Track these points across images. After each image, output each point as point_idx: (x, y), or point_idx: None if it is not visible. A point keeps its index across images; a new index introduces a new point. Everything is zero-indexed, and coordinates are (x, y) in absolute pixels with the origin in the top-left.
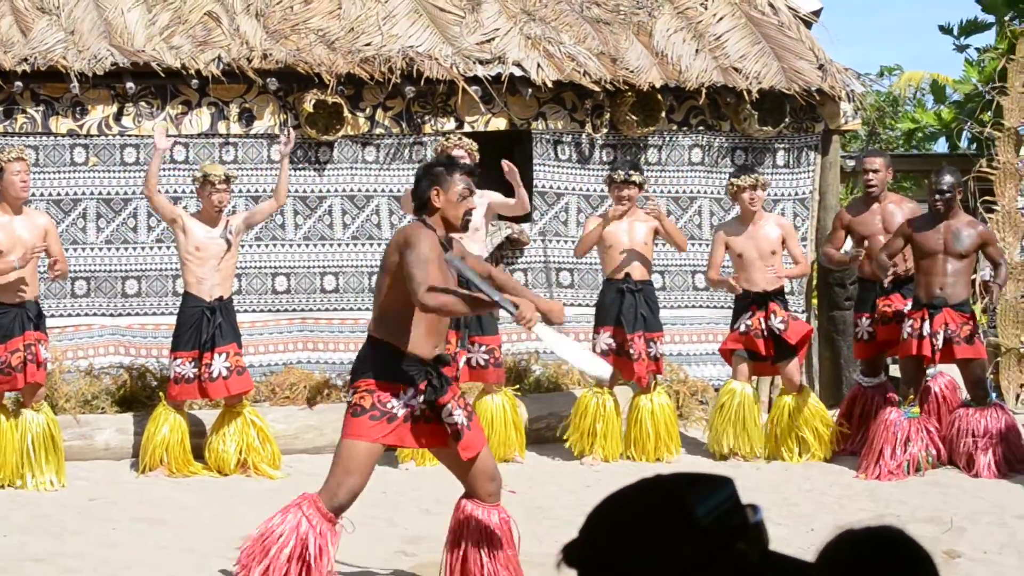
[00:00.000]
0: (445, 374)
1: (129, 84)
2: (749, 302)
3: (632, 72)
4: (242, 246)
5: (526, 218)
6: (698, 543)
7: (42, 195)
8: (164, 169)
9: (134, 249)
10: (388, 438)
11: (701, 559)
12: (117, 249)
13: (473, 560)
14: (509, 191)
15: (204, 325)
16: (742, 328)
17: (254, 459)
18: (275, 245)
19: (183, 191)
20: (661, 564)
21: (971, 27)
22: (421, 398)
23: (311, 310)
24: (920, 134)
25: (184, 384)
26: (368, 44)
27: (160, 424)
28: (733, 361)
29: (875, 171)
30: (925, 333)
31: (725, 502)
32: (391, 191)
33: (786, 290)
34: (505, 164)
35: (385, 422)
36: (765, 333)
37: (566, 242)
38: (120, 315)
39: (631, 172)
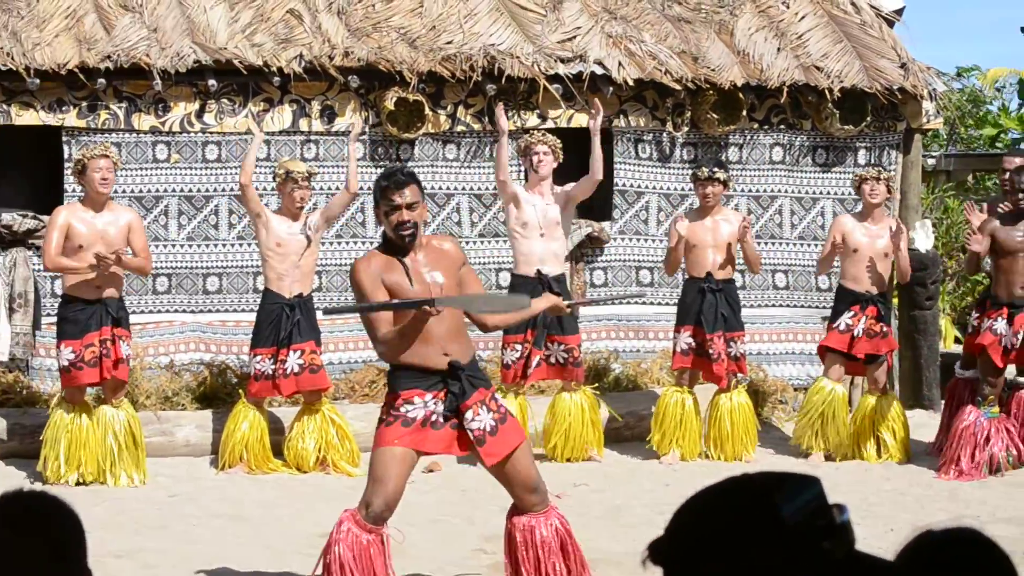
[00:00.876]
0: (467, 380)
1: (211, 81)
2: (852, 301)
3: (713, 71)
4: (322, 243)
5: (606, 216)
6: (783, 543)
7: (124, 192)
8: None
9: (215, 246)
10: (406, 440)
11: (786, 558)
12: (198, 246)
13: (529, 571)
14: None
15: (283, 322)
16: (842, 327)
17: (333, 457)
18: (355, 243)
19: (264, 188)
20: (746, 563)
21: None
22: (440, 406)
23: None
24: (1004, 137)
25: (263, 381)
26: (450, 42)
27: (240, 421)
28: (827, 359)
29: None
30: (1002, 331)
31: (812, 502)
32: (472, 189)
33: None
34: (594, 105)
35: (399, 425)
36: (859, 334)
37: (646, 240)
38: (201, 312)
39: (715, 169)
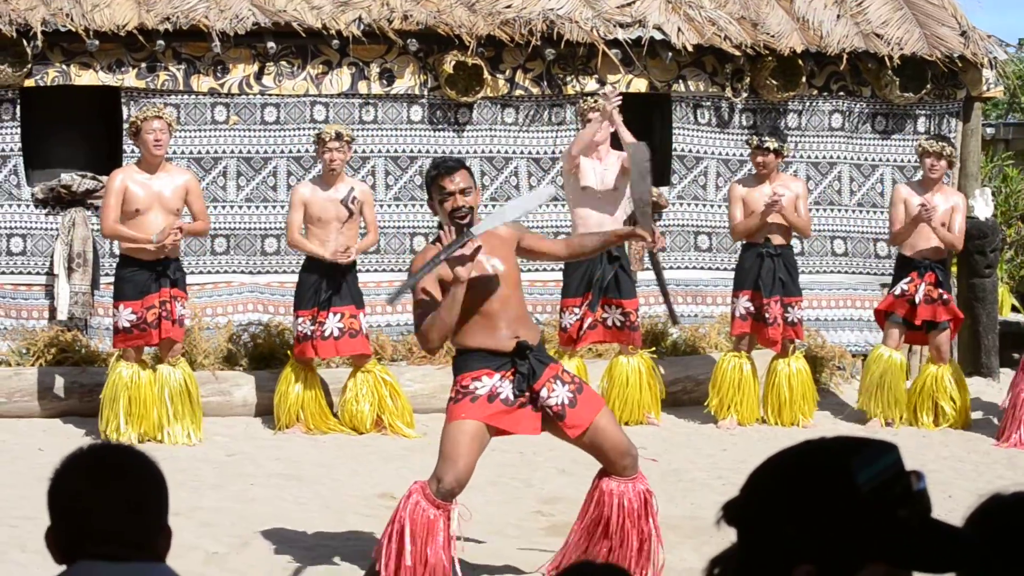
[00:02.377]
0: (535, 359)
1: (270, 44)
2: (911, 268)
3: (773, 37)
4: (379, 205)
5: (665, 181)
6: (858, 509)
7: (183, 153)
8: (304, 129)
9: (273, 207)
10: (474, 413)
11: (861, 525)
12: (256, 207)
13: (612, 536)
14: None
15: (323, 284)
16: (898, 292)
17: (389, 417)
18: (413, 205)
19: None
20: (820, 528)
21: None
22: (509, 385)
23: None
24: None
25: (305, 342)
26: (508, 6)
27: (291, 382)
28: (886, 326)
29: None
30: None
31: (888, 469)
32: (530, 153)
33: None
34: (606, 93)
35: (467, 401)
36: (920, 300)
37: (704, 206)
38: (259, 273)
39: (766, 139)
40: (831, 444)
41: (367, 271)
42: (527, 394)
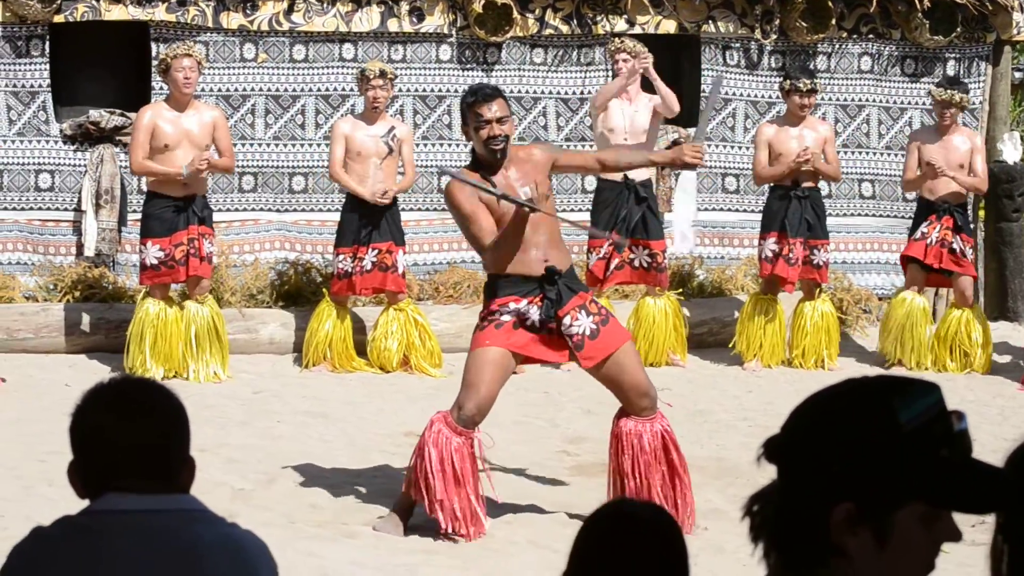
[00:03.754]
0: (564, 286)
1: None
2: (930, 211)
3: None
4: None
5: (693, 123)
6: (900, 448)
7: (211, 91)
8: (333, 67)
9: (301, 146)
10: (499, 340)
11: (902, 464)
12: (284, 145)
13: (635, 476)
14: (677, 97)
15: (363, 221)
16: (918, 235)
17: (416, 357)
18: (441, 145)
19: (351, 89)
20: (861, 466)
21: None
22: (536, 311)
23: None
24: None
25: (344, 280)
26: None
27: (323, 320)
28: (908, 271)
29: None
30: None
31: (930, 409)
32: (558, 93)
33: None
34: (638, 61)
35: (492, 328)
36: (936, 243)
37: (733, 147)
38: (286, 211)
39: (810, 80)
40: (874, 383)
41: (411, 210)
42: (554, 321)
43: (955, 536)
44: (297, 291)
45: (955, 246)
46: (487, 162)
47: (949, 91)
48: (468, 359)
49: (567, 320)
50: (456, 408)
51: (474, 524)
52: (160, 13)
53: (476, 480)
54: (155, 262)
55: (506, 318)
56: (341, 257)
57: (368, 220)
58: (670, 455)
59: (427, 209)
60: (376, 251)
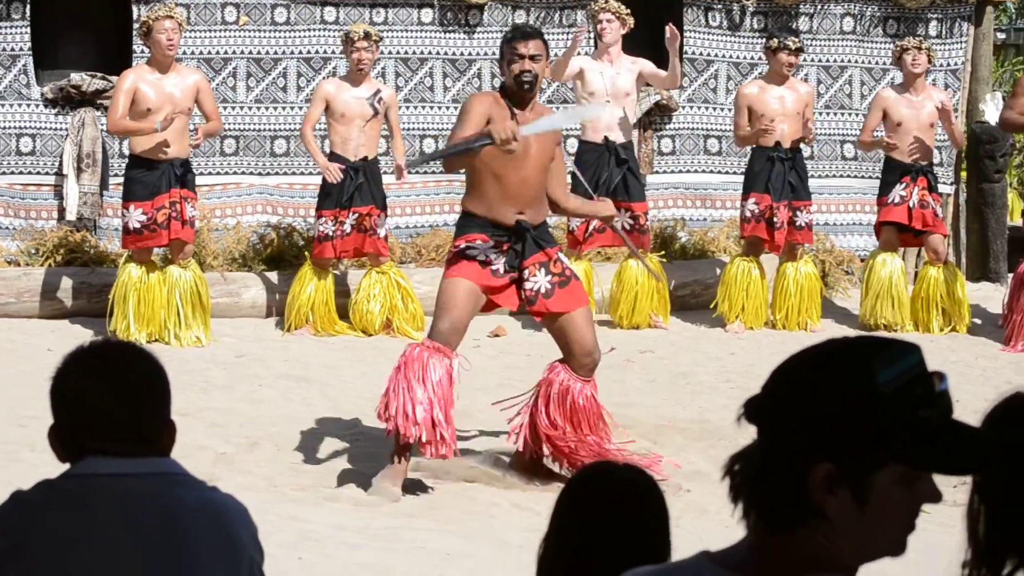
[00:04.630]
0: (530, 240)
1: None
2: (902, 172)
3: None
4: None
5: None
6: (880, 409)
7: (192, 53)
8: (315, 30)
9: (283, 108)
10: (468, 273)
11: (882, 424)
12: (266, 108)
13: (549, 423)
14: (658, 60)
15: (346, 184)
16: (896, 199)
17: (398, 320)
18: (423, 107)
19: (333, 52)
20: (840, 427)
21: None
22: (501, 259)
23: (459, 173)
24: None
25: (326, 243)
26: None
27: (305, 283)
28: (884, 232)
29: None
30: None
31: (911, 370)
32: None
33: (935, 162)
34: (669, 30)
35: (463, 262)
36: (914, 205)
37: (715, 109)
38: (268, 174)
39: (795, 40)
40: (854, 343)
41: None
42: (516, 271)
43: (935, 497)
44: (279, 255)
45: (931, 206)
46: (514, 95)
47: (916, 37)
48: (441, 286)
49: (526, 274)
50: (432, 330)
51: (441, 442)
52: None
53: (450, 398)
54: (137, 226)
55: (474, 254)
56: (323, 220)
57: (350, 183)
58: (592, 421)
59: (410, 172)
60: (357, 215)
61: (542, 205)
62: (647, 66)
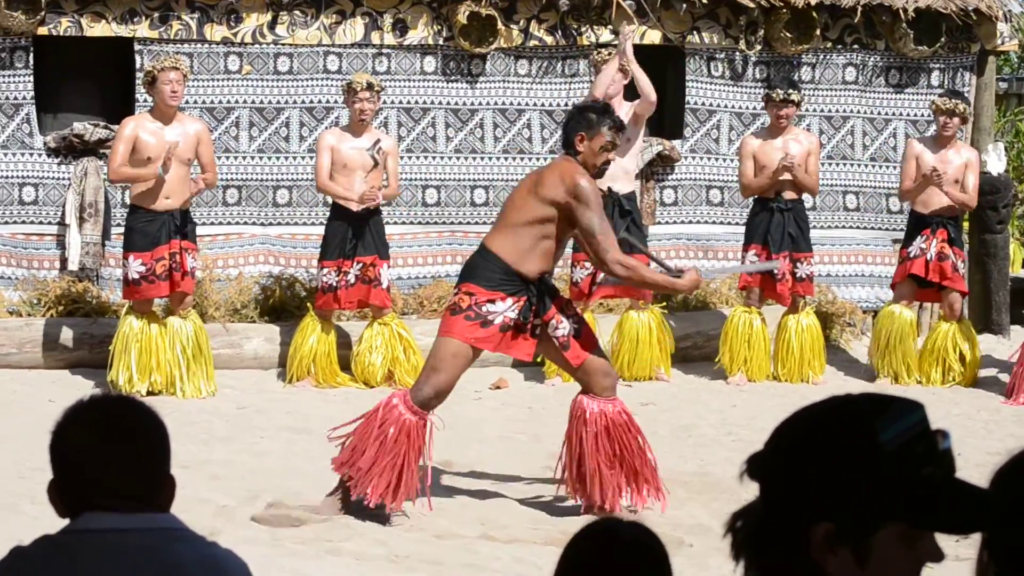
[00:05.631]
0: (547, 292)
1: None
2: (923, 225)
3: None
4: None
5: (677, 135)
6: (881, 467)
7: (195, 103)
8: (317, 80)
9: (286, 158)
10: (481, 342)
11: (884, 483)
12: (269, 158)
13: (592, 451)
14: (660, 110)
15: (348, 234)
16: (915, 252)
17: (400, 372)
18: (426, 157)
19: (335, 101)
20: (842, 486)
21: None
22: (518, 312)
23: (461, 223)
24: None
25: (328, 294)
26: None
27: (307, 335)
28: (898, 283)
29: None
30: None
31: (913, 428)
32: (543, 105)
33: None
34: (621, 33)
35: (479, 325)
36: (935, 257)
37: (717, 159)
38: (271, 224)
39: (790, 91)
40: (857, 401)
41: (395, 223)
42: (531, 322)
43: (937, 556)
44: (281, 305)
45: (951, 259)
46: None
47: (952, 100)
48: (437, 344)
49: (552, 323)
50: (416, 389)
51: (398, 498)
52: (143, 30)
53: (415, 463)
54: (136, 276)
55: (495, 319)
56: (325, 271)
57: (353, 233)
58: (632, 429)
59: (411, 222)
60: (360, 264)
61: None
62: (635, 105)
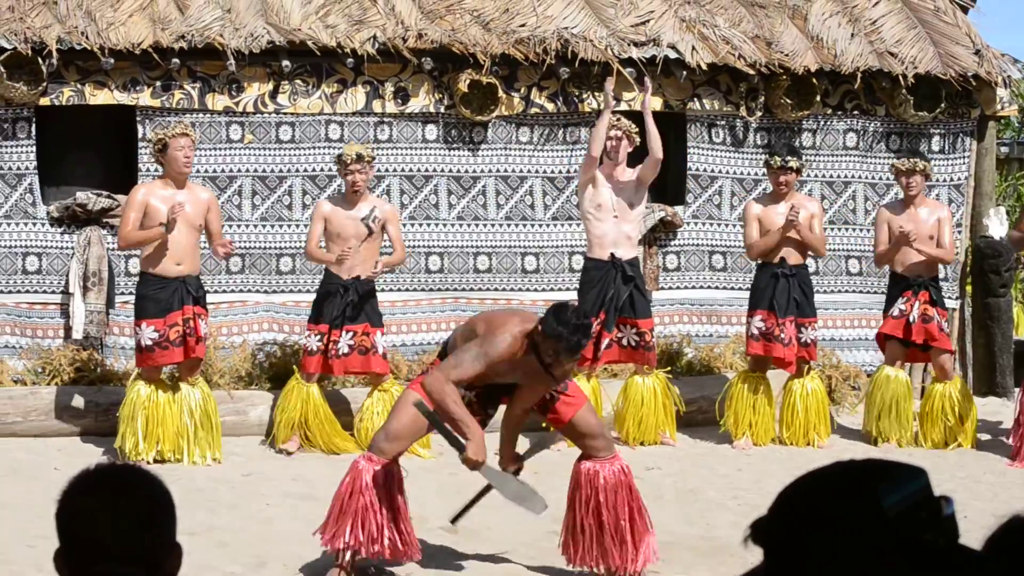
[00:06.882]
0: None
1: (285, 62)
2: (904, 287)
3: (787, 56)
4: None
5: (680, 201)
6: (884, 533)
7: (198, 172)
8: (319, 148)
9: (288, 226)
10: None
11: (886, 548)
12: (272, 226)
13: (594, 511)
14: (663, 173)
15: (336, 302)
16: (896, 313)
17: None
18: (429, 224)
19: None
20: (846, 550)
21: None
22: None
23: (464, 289)
24: None
25: (310, 356)
26: (523, 25)
27: (293, 398)
28: (887, 347)
29: None
30: None
31: (916, 494)
32: (545, 172)
33: (940, 276)
34: (642, 88)
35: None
36: (919, 319)
37: (720, 225)
38: (274, 292)
39: (789, 158)
40: (860, 467)
41: (381, 291)
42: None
43: None
44: (286, 372)
45: (935, 320)
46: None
47: (911, 160)
48: (402, 400)
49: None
50: (376, 439)
51: (381, 545)
52: (145, 99)
53: (391, 505)
54: (149, 343)
55: None
56: (308, 334)
57: (344, 300)
58: (629, 490)
59: (415, 289)
60: (351, 333)
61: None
62: (637, 170)
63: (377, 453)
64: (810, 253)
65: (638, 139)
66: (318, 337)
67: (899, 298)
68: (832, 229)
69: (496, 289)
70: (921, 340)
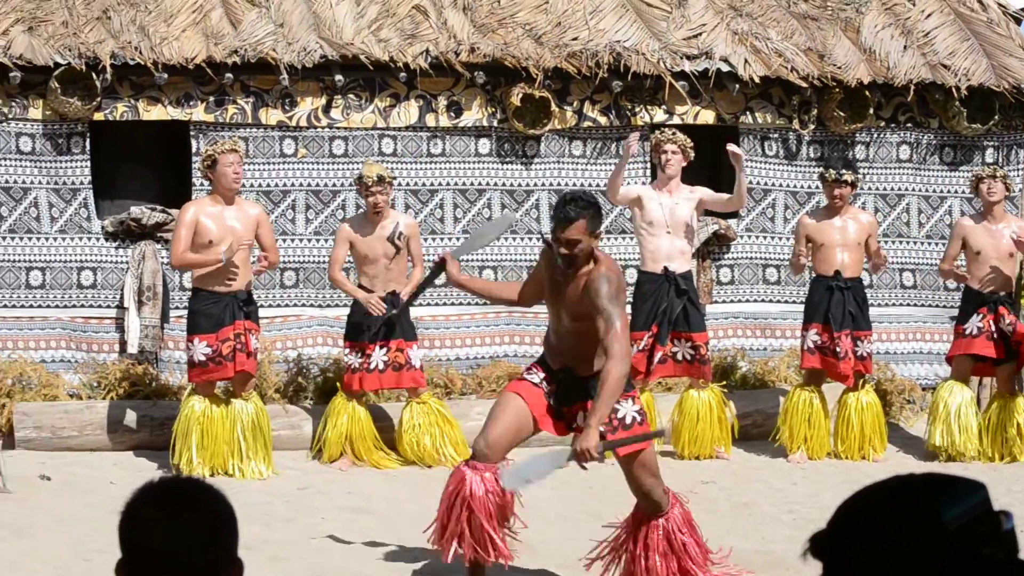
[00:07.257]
0: (576, 388)
1: (338, 77)
2: (979, 303)
3: (840, 68)
4: (447, 238)
5: (733, 214)
6: (943, 547)
7: (252, 186)
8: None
9: None
10: (526, 392)
11: (945, 562)
12: (326, 240)
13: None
14: (715, 187)
15: (372, 317)
16: (973, 331)
17: (446, 450)
18: (435, 239)
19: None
20: (905, 564)
21: None
22: (548, 391)
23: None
24: None
25: (352, 374)
26: (575, 38)
27: (338, 414)
28: (957, 361)
29: None
30: None
31: (975, 508)
32: (598, 185)
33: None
34: (731, 148)
35: (529, 384)
36: (995, 336)
37: (773, 238)
38: (328, 306)
39: (844, 172)
40: (920, 481)
41: (427, 304)
42: (557, 408)
43: None
44: (339, 386)
45: (1007, 326)
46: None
47: (992, 166)
48: (499, 397)
49: (580, 415)
50: (475, 439)
51: (494, 550)
52: (199, 114)
53: (492, 509)
54: (203, 358)
55: (533, 378)
56: (347, 351)
57: (378, 317)
58: (675, 555)
59: (470, 303)
60: (386, 349)
61: (591, 360)
62: (707, 193)
63: (476, 457)
64: (865, 267)
65: (692, 154)
66: (356, 354)
67: (974, 315)
68: (886, 242)
69: None
70: (1002, 356)
